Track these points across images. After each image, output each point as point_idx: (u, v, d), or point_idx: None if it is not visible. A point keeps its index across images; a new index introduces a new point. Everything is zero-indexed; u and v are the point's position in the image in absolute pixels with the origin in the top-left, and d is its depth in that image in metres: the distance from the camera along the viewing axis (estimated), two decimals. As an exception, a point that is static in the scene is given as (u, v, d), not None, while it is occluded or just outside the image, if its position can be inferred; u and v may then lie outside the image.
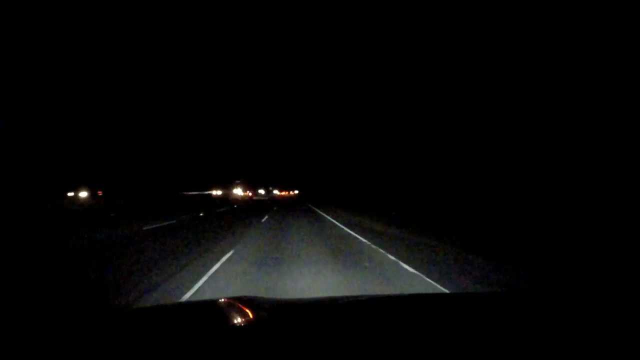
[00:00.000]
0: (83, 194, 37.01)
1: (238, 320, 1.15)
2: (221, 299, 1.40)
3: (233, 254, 6.79)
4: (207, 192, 62.84)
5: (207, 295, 4.10)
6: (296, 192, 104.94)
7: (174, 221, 13.53)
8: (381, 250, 7.43)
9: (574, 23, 15.11)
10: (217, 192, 62.14)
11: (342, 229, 11.91)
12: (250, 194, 67.76)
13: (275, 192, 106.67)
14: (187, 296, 4.12)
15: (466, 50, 22.12)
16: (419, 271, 5.45)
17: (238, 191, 63.60)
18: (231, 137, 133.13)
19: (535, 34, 16.77)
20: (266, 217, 16.53)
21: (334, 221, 14.71)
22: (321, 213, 19.81)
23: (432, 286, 4.65)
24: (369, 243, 8.51)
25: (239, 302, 1.27)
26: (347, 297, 1.78)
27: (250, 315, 1.15)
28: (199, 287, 4.46)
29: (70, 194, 36.53)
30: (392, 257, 6.65)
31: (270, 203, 35.94)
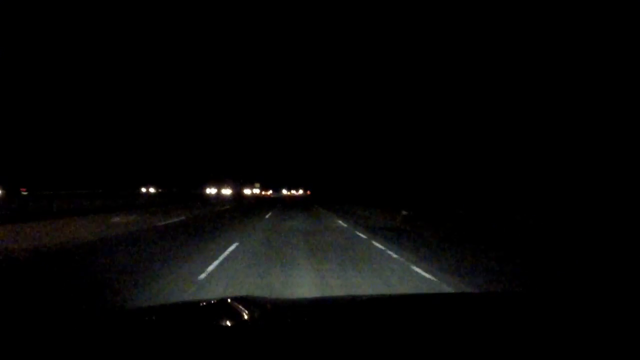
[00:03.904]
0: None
1: (237, 320, 1.15)
2: (220, 298, 1.43)
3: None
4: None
5: None
6: (305, 192, 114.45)
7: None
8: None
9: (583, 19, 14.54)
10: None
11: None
12: (268, 193, 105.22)
13: (283, 191, 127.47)
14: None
15: (468, 49, 21.57)
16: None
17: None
18: (250, 142, 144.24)
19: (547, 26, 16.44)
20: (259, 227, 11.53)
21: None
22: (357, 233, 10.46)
23: None
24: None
25: (238, 302, 1.26)
26: (347, 297, 1.87)
27: (250, 315, 1.14)
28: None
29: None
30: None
31: (275, 201, 40.05)
